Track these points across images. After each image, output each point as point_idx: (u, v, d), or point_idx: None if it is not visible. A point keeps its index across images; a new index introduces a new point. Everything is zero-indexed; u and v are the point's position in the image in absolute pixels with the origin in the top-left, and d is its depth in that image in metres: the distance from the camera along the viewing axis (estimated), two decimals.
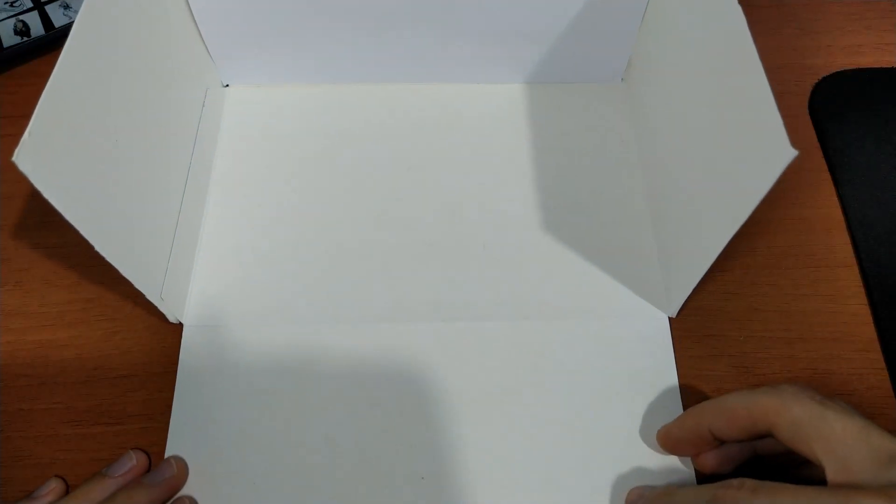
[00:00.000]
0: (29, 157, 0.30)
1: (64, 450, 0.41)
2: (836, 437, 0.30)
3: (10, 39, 0.53)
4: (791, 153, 0.30)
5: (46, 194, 0.31)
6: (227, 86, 0.54)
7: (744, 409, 0.33)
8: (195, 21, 0.48)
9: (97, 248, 0.34)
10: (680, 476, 0.39)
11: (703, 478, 0.39)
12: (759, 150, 0.33)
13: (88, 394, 0.42)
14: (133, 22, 0.41)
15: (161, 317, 0.44)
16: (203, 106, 0.51)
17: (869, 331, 0.44)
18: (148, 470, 0.40)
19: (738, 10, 0.35)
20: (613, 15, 0.48)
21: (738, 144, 0.35)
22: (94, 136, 0.36)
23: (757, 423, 0.33)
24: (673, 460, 0.40)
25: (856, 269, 0.46)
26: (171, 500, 0.39)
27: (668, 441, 0.39)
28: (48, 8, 0.54)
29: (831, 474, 0.30)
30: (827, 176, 0.50)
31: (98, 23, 0.37)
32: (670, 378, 0.42)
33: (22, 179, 0.30)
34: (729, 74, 0.37)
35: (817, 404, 0.31)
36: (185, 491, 0.39)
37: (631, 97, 0.52)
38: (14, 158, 0.29)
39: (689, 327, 0.44)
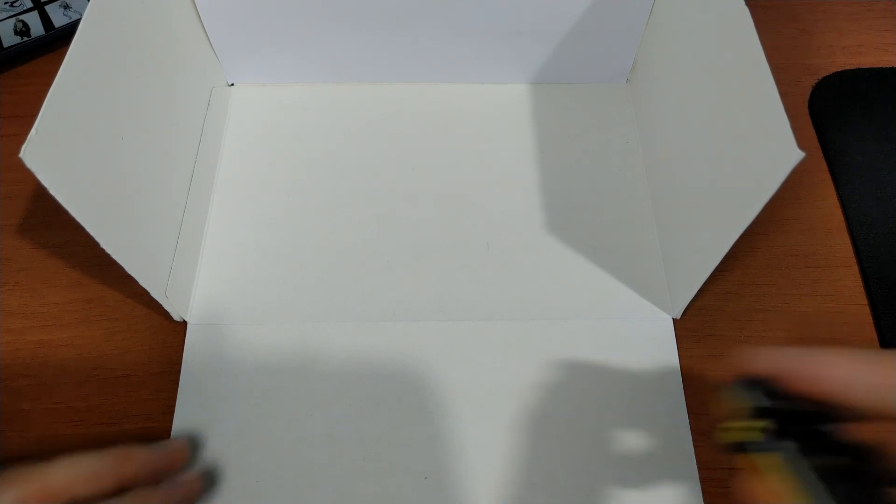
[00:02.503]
0: (36, 153, 0.30)
1: (64, 450, 0.40)
2: None
3: (10, 39, 0.53)
4: (798, 154, 0.30)
5: (53, 191, 0.31)
6: (233, 84, 0.54)
7: None
8: (201, 20, 0.48)
9: (102, 245, 0.34)
10: (681, 476, 0.39)
11: (706, 477, 0.39)
12: (766, 152, 0.33)
13: (88, 394, 0.42)
14: (139, 20, 0.41)
15: (162, 316, 0.44)
16: (208, 104, 0.51)
17: (869, 331, 0.44)
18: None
19: (745, 10, 0.35)
20: (619, 15, 0.48)
21: (744, 145, 0.35)
22: (100, 134, 0.36)
23: None
24: (674, 462, 0.40)
25: (856, 269, 0.46)
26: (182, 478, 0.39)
27: None
28: (48, 8, 0.54)
29: None
30: (827, 176, 0.50)
31: (104, 21, 0.37)
32: (674, 379, 0.42)
33: (22, 180, 0.30)
34: (735, 75, 0.37)
35: None
36: None
37: (636, 97, 0.53)
38: (21, 155, 0.29)
39: (689, 327, 0.44)
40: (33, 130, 0.30)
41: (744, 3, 0.36)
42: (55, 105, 0.32)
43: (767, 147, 0.33)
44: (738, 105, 0.36)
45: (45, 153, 0.31)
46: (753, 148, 0.34)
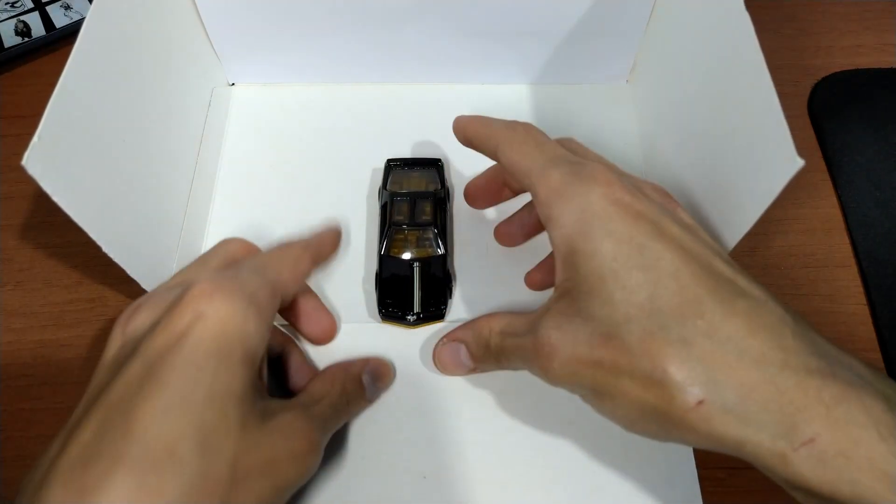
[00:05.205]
0: (38, 161, 0.30)
1: None
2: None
3: (11, 40, 0.53)
4: (798, 163, 0.30)
5: (55, 198, 0.31)
6: (233, 84, 0.54)
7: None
8: (201, 20, 0.48)
9: (105, 249, 0.34)
10: (680, 475, 0.40)
11: (705, 476, 0.39)
12: (765, 159, 0.33)
13: None
14: (140, 22, 0.41)
15: None
16: (209, 105, 0.51)
17: (868, 330, 0.45)
18: None
19: (745, 14, 0.35)
20: (619, 16, 0.48)
21: (744, 150, 0.35)
22: (102, 138, 0.36)
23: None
24: (673, 460, 0.40)
25: (855, 269, 0.47)
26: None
27: (473, 191, 0.45)
28: (49, 8, 0.54)
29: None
30: (826, 176, 0.50)
31: (106, 24, 0.37)
32: None
33: (23, 180, 0.30)
34: (734, 79, 0.37)
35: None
36: None
37: (636, 98, 0.52)
38: (24, 163, 0.29)
39: None
40: (35, 137, 0.30)
41: (743, 5, 0.36)
42: (57, 111, 0.32)
43: (767, 154, 0.33)
44: (737, 109, 0.36)
45: (48, 160, 0.31)
46: (753, 153, 0.34)
